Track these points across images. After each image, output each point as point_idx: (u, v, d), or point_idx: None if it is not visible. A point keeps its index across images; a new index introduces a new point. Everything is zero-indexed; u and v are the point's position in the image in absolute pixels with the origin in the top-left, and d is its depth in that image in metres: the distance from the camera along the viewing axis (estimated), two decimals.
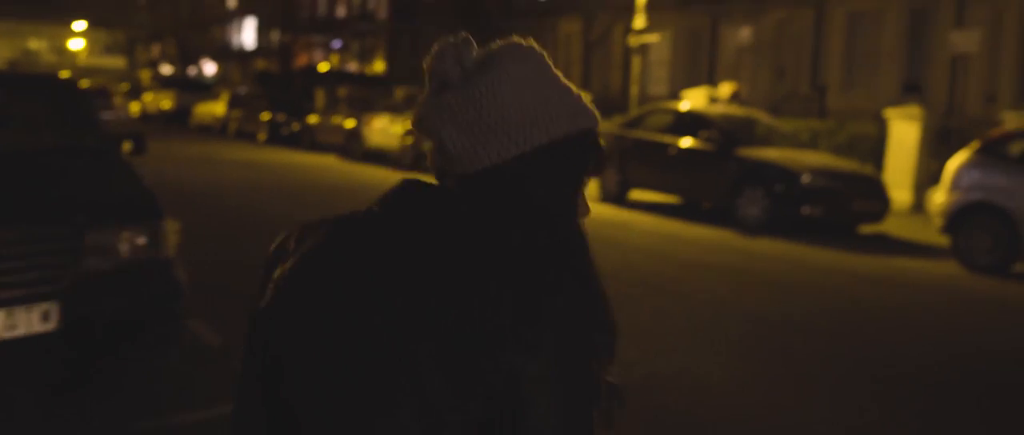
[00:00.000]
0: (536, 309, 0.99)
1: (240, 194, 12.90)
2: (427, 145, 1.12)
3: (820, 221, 11.32)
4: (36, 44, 66.42)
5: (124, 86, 37.51)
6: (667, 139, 13.06)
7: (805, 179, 11.31)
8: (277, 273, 1.09)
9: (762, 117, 13.94)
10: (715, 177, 12.22)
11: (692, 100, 17.79)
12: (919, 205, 13.82)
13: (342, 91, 23.33)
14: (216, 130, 26.87)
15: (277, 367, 1.07)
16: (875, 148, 14.77)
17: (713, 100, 17.45)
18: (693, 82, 24.35)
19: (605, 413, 1.05)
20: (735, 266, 9.03)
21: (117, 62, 54.71)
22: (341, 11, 42.86)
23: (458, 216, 1.05)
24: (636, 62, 16.83)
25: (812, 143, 14.48)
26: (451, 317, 0.99)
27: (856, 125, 15.62)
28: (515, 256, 1.02)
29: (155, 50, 56.77)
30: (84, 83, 44.81)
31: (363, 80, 28.46)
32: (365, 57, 41.32)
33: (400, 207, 1.08)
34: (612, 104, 24.57)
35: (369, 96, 21.85)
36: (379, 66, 39.58)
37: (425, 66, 1.11)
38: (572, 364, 1.00)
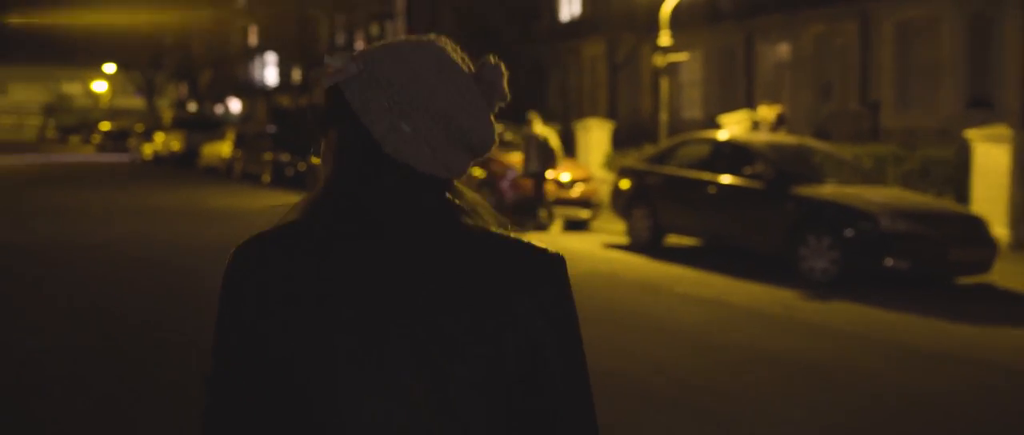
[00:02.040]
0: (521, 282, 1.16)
1: (161, 262, 10.58)
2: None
3: (908, 274, 8.77)
4: (69, 88, 65.53)
5: (139, 127, 35.80)
6: (705, 175, 10.59)
7: (886, 222, 8.76)
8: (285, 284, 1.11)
9: (817, 145, 11.38)
10: (768, 221, 9.72)
11: (732, 127, 15.31)
12: (1020, 243, 11.18)
13: None
14: (222, 172, 24.82)
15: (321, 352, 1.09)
16: (954, 176, 12.14)
17: (755, 126, 14.96)
18: (729, 104, 21.87)
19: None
20: (805, 357, 6.51)
21: (139, 103, 53.34)
22: (359, 42, 40.90)
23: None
24: (664, 84, 14.32)
25: (879, 173, 11.89)
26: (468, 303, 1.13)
27: (930, 149, 12.98)
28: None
29: (183, 89, 55.37)
30: (105, 125, 43.45)
31: None
32: None
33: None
34: (643, 131, 22.11)
35: None
36: None
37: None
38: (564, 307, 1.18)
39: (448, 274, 1.11)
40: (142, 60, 48.21)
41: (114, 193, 19.37)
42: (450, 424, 1.09)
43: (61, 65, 61.34)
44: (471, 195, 1.20)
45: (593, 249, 11.55)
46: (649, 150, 15.35)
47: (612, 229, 13.31)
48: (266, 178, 21.82)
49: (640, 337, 6.83)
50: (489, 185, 14.02)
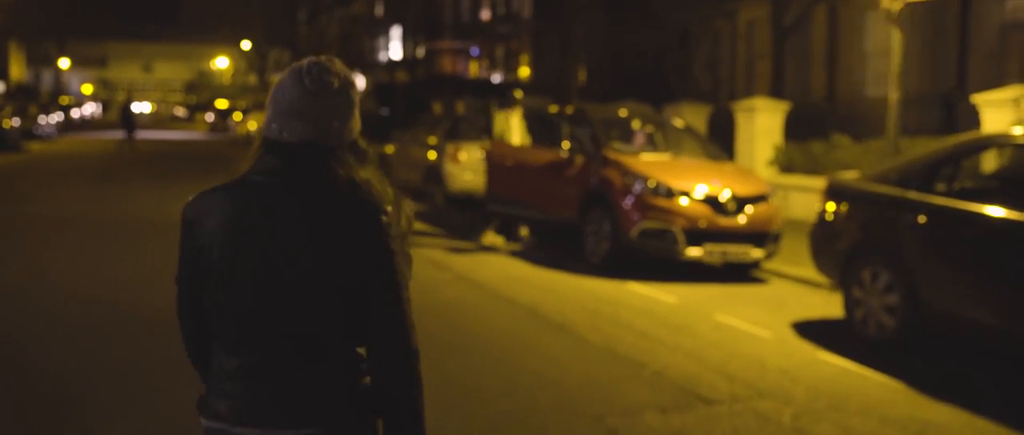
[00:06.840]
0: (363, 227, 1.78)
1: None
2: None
3: None
4: (211, 65, 63.89)
5: (241, 104, 32.33)
6: None
7: None
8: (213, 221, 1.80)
9: None
10: None
11: (997, 113, 9.22)
12: None
13: (460, 106, 15.97)
14: None
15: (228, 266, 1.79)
16: None
17: None
18: (939, 79, 15.59)
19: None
20: None
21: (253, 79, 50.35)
22: (485, 14, 35.85)
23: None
24: (896, 40, 8.16)
25: None
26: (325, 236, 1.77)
27: None
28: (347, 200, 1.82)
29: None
30: (221, 103, 40.52)
31: (485, 89, 20.80)
32: (510, 63, 34.14)
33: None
34: (816, 118, 15.87)
35: (467, 114, 14.40)
36: (524, 72, 32.29)
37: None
38: (390, 247, 1.79)
39: (300, 214, 1.75)
40: (256, 35, 44.98)
41: (139, 188, 15.00)
42: (286, 308, 1.76)
43: (206, 43, 59.37)
44: (365, 172, 1.81)
45: (784, 347, 5.89)
46: (880, 160, 9.50)
47: (796, 271, 7.71)
48: None
49: None
50: (600, 203, 8.52)
